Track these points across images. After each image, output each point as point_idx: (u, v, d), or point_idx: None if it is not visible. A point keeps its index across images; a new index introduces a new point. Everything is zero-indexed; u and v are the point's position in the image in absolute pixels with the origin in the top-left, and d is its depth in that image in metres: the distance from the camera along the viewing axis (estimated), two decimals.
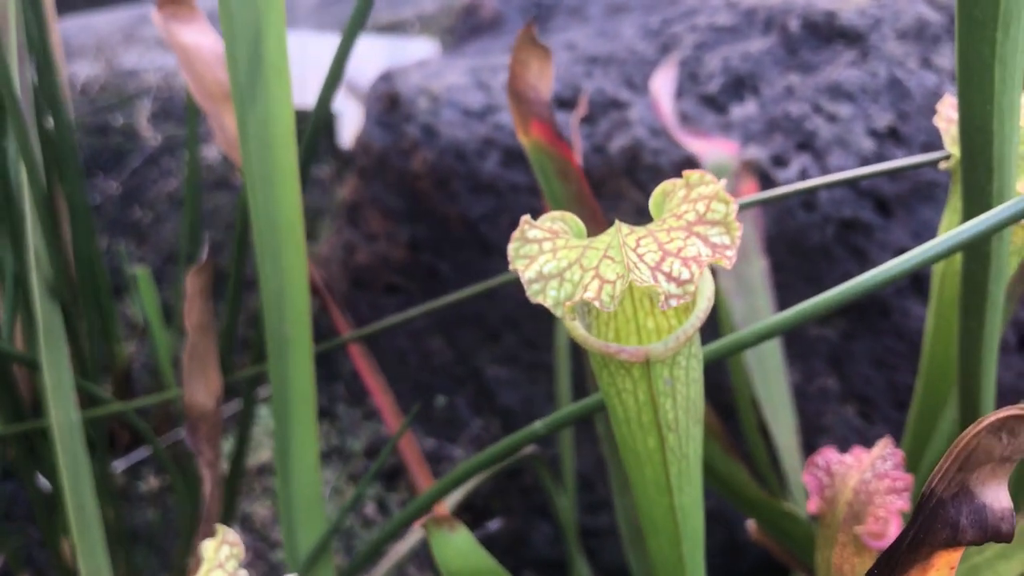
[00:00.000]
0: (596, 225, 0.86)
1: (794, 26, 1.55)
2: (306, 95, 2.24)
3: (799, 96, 1.47)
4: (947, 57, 1.52)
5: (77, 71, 2.60)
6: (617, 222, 0.52)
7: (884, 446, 0.78)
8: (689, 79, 1.56)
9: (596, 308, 0.58)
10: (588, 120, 1.55)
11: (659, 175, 1.45)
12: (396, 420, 0.95)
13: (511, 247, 0.52)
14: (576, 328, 0.52)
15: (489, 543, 1.46)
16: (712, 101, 1.52)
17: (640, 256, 0.49)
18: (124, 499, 1.54)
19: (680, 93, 1.53)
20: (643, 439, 0.57)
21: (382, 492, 1.52)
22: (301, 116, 2.38)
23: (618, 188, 1.49)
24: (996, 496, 0.37)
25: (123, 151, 2.27)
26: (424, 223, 1.56)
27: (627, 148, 1.48)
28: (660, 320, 0.59)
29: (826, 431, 1.42)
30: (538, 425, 0.75)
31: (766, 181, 1.41)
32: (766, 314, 1.36)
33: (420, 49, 2.18)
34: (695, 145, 1.34)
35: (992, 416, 0.36)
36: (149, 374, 1.75)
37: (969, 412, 0.79)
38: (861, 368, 1.41)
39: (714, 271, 1.39)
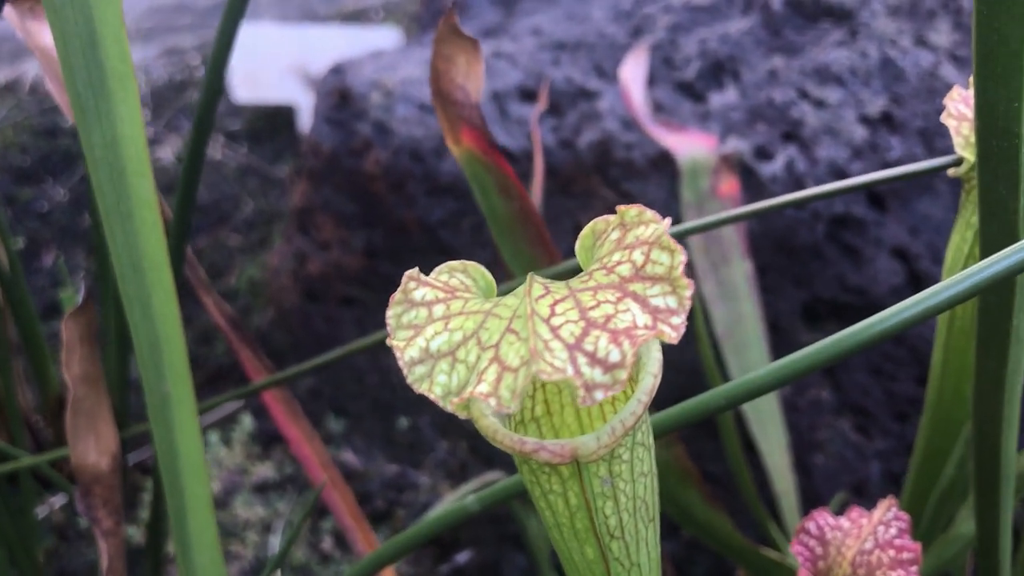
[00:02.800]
0: (544, 252, 0.73)
1: (777, 4, 1.41)
2: (263, 88, 2.10)
3: (783, 81, 1.33)
4: (944, 33, 1.38)
5: (27, 70, 2.46)
6: (530, 276, 0.39)
7: (887, 508, 0.65)
8: (664, 64, 1.42)
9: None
10: (555, 112, 1.41)
11: (632, 171, 1.32)
12: (322, 472, 0.82)
13: (390, 313, 0.39)
14: (483, 417, 0.38)
15: None
16: (689, 88, 1.38)
17: (555, 330, 0.35)
18: (62, 538, 1.41)
19: (654, 80, 1.40)
20: (579, 548, 0.44)
21: (339, 526, 1.39)
22: (255, 111, 2.21)
23: (588, 186, 1.36)
24: None
25: (72, 154, 2.13)
26: (380, 229, 1.42)
27: (597, 142, 1.34)
28: None
29: (820, 447, 1.29)
30: (471, 499, 0.62)
31: (749, 176, 1.27)
32: (751, 321, 1.23)
33: (383, 38, 2.04)
34: (669, 139, 1.21)
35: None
36: None
37: (986, 465, 0.65)
38: (857, 377, 1.28)
39: (691, 275, 1.26)
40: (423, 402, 1.44)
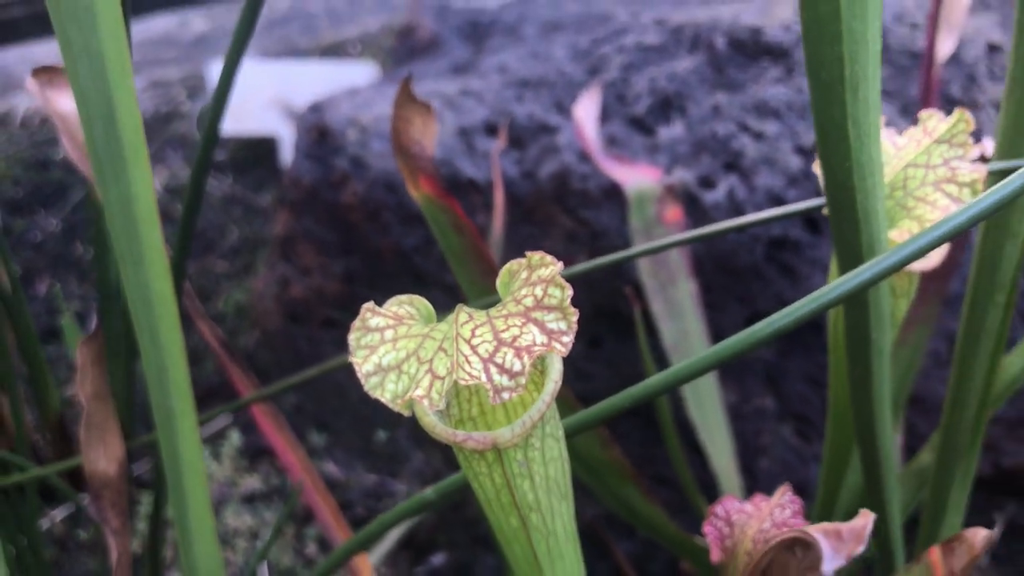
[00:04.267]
0: (492, 279, 0.85)
1: (720, 44, 1.55)
2: (246, 121, 2.22)
3: (726, 115, 1.47)
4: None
5: (17, 104, 2.57)
6: (459, 307, 0.51)
7: (782, 494, 0.77)
8: (617, 101, 1.55)
9: (458, 384, 0.57)
10: (518, 145, 1.54)
11: (588, 201, 1.44)
12: (307, 476, 0.94)
13: (352, 337, 0.51)
14: (424, 415, 0.51)
15: None
16: (640, 123, 1.51)
17: (474, 348, 0.48)
18: (63, 549, 1.52)
19: (608, 115, 1.53)
20: (506, 519, 0.57)
21: (322, 532, 1.51)
22: (238, 142, 2.34)
23: (548, 214, 1.48)
24: None
25: (64, 185, 2.25)
26: (357, 255, 1.55)
27: (556, 173, 1.47)
28: (525, 395, 0.58)
29: (764, 451, 1.42)
30: (428, 492, 0.74)
31: (693, 203, 1.40)
32: (697, 337, 1.36)
33: (360, 73, 2.17)
34: (617, 172, 1.34)
35: (781, 536, 0.35)
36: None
37: (869, 460, 0.78)
38: (797, 386, 1.41)
39: (641, 294, 1.38)
40: (399, 416, 1.56)
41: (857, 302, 0.67)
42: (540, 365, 0.54)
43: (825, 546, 0.34)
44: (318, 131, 1.57)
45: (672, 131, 1.48)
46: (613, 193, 1.42)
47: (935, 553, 0.69)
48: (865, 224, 0.62)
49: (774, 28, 1.53)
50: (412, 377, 0.48)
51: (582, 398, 1.45)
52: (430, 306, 0.54)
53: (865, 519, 0.35)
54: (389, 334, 0.51)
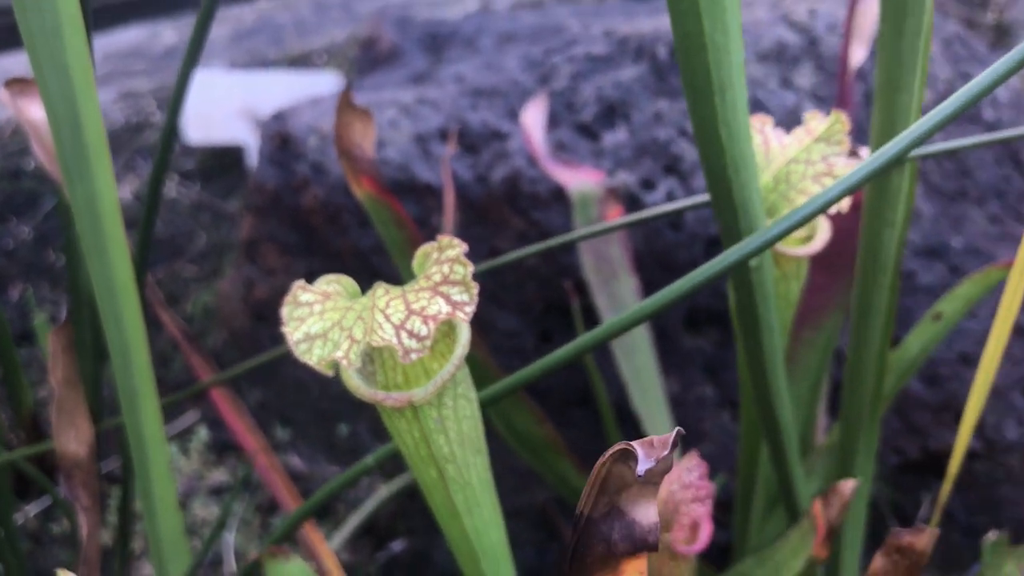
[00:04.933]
0: None
1: (663, 53, 1.64)
2: (214, 129, 2.30)
3: (667, 121, 1.56)
4: (806, 76, 1.62)
5: None
6: (377, 284, 0.60)
7: (690, 458, 0.86)
8: (566, 108, 1.64)
9: (384, 356, 0.65)
10: (472, 151, 1.63)
11: (537, 202, 1.53)
12: (266, 458, 1.01)
13: (285, 311, 0.59)
14: (350, 378, 0.59)
15: (393, 563, 1.53)
16: (586, 129, 1.60)
17: (387, 316, 0.56)
18: (37, 543, 1.59)
19: (557, 122, 1.62)
20: (426, 471, 0.65)
21: (278, 502, 1.59)
22: (206, 151, 2.42)
23: (501, 215, 1.57)
24: (645, 513, 0.45)
25: (36, 194, 2.32)
26: (318, 256, 1.63)
27: (507, 177, 1.56)
28: (443, 363, 0.66)
29: (705, 437, 1.51)
30: (369, 460, 0.82)
31: (635, 204, 1.49)
32: (639, 328, 1.45)
33: (324, 82, 2.25)
34: (563, 175, 1.43)
35: (614, 447, 0.44)
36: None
37: (770, 429, 0.87)
38: (734, 375, 1.50)
39: (582, 289, 1.47)
40: (361, 410, 1.64)
41: (742, 282, 0.76)
42: (452, 335, 0.62)
43: (640, 453, 0.42)
44: (280, 138, 1.65)
45: (616, 136, 1.57)
46: (561, 195, 1.51)
47: (816, 505, 0.78)
48: (743, 212, 0.71)
49: None
50: (335, 343, 0.57)
51: (533, 390, 1.54)
52: (356, 284, 0.62)
53: (672, 434, 0.43)
54: (317, 308, 0.59)
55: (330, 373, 0.57)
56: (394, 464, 1.60)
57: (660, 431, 1.44)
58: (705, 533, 0.85)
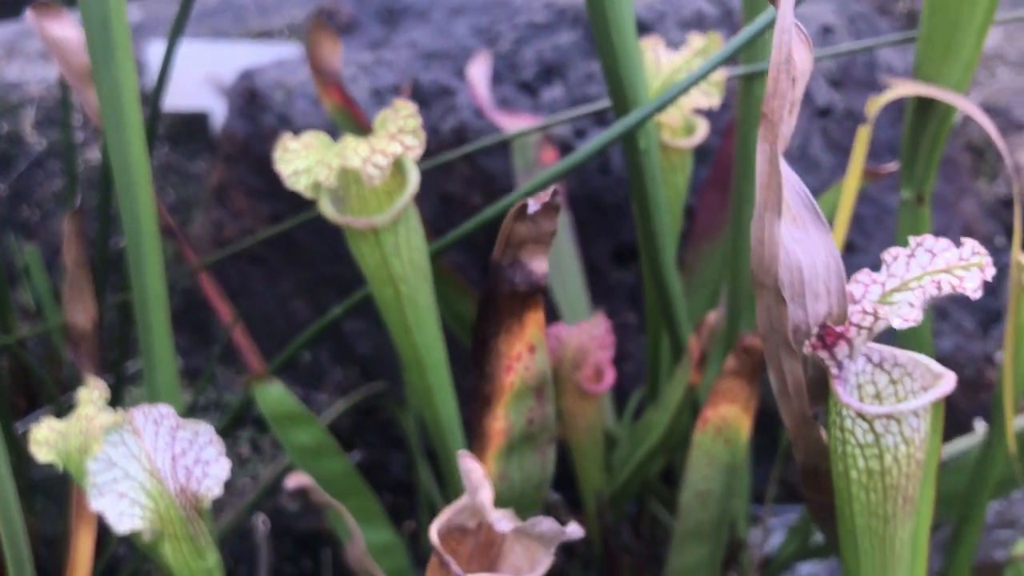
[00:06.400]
0: None
1: None
2: (181, 96, 2.48)
3: (598, 80, 1.78)
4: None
5: None
6: (346, 135, 0.80)
7: (598, 317, 1.07)
8: (509, 69, 1.86)
9: (351, 197, 0.85)
10: (424, 105, 1.83)
11: (482, 150, 1.74)
12: (241, 335, 1.21)
13: (277, 155, 0.79)
14: (327, 207, 0.79)
15: None
16: (527, 87, 1.82)
17: (357, 152, 0.76)
18: (24, 457, 1.76)
19: (501, 81, 1.83)
20: (385, 289, 0.85)
21: (255, 434, 1.78)
22: (174, 117, 2.61)
23: (450, 162, 1.78)
24: (537, 263, 0.65)
25: (9, 156, 2.48)
26: (283, 200, 1.82)
27: (455, 128, 1.77)
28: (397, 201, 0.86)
29: (630, 357, 1.73)
30: (336, 310, 1.02)
31: (568, 151, 1.71)
32: (570, 260, 1.66)
33: (287, 52, 2.44)
34: (504, 121, 1.64)
35: (515, 207, 0.64)
36: (44, 354, 1.97)
37: (663, 303, 1.09)
38: None
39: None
40: (322, 338, 1.83)
41: (635, 165, 0.98)
42: (403, 180, 0.83)
43: (531, 204, 0.62)
44: (249, 93, 1.85)
45: (553, 93, 1.79)
46: (503, 143, 1.72)
47: (692, 340, 0.99)
48: (631, 94, 0.92)
49: (640, 6, 1.85)
50: (317, 172, 0.77)
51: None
52: (331, 139, 0.82)
53: (551, 190, 0.63)
54: (302, 152, 0.79)
55: (314, 196, 0.77)
56: (353, 384, 1.80)
57: None
58: (608, 377, 1.06)
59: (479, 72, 1.69)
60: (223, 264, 1.88)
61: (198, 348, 1.90)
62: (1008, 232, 2.00)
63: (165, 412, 0.85)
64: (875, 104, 0.96)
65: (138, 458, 0.85)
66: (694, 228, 1.37)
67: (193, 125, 2.52)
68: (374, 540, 1.05)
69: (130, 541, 1.57)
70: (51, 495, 1.73)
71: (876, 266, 1.71)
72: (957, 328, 1.73)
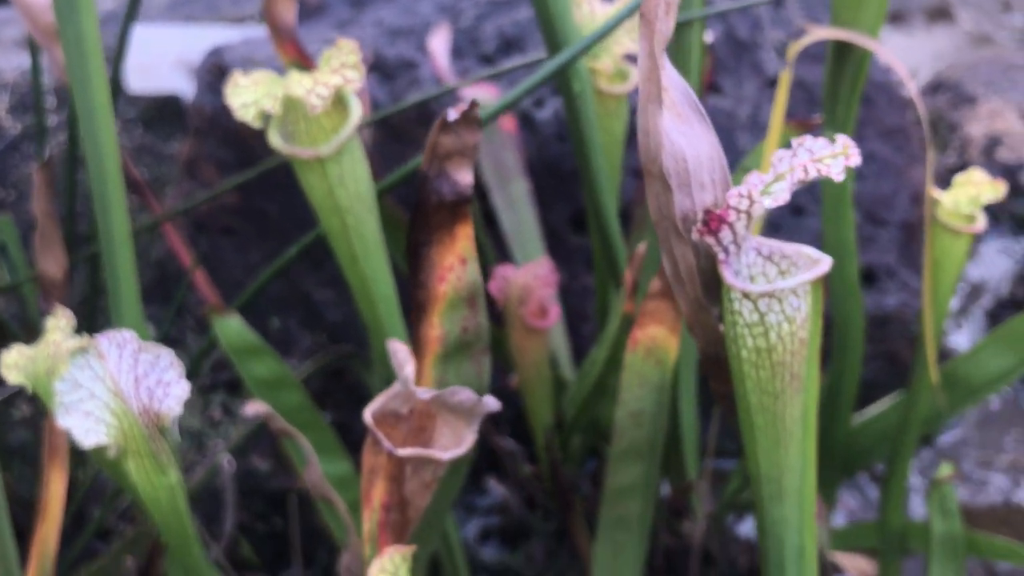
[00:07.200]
0: None
1: None
2: (154, 79, 2.54)
3: None
4: None
5: None
6: (292, 70, 0.87)
7: (542, 258, 1.14)
8: (471, 43, 1.93)
9: (300, 133, 0.92)
10: (389, 78, 1.90)
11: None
12: (200, 275, 1.27)
13: (228, 91, 0.85)
14: (275, 139, 0.85)
15: None
16: (488, 59, 1.89)
17: (301, 84, 0.83)
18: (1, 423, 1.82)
19: (463, 55, 1.90)
20: (332, 220, 0.91)
21: (227, 399, 1.84)
22: (148, 100, 2.67)
23: (414, 134, 1.84)
24: (462, 175, 0.72)
25: None
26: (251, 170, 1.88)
27: (419, 101, 1.83)
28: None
29: (589, 319, 1.80)
30: (292, 250, 1.09)
31: (527, 119, 1.78)
32: (530, 225, 1.73)
33: (257, 34, 2.50)
34: (464, 91, 1.70)
35: (439, 119, 0.70)
36: (20, 327, 2.02)
37: (607, 246, 1.15)
38: None
39: (482, 195, 1.75)
40: (291, 306, 1.89)
41: (571, 108, 1.04)
42: (347, 116, 0.89)
43: (451, 113, 0.69)
44: (217, 68, 1.91)
45: (513, 64, 1.85)
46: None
47: (627, 272, 1.06)
48: (565, 45, 0.99)
49: None
50: (264, 103, 0.83)
51: None
52: (278, 76, 0.89)
53: (467, 103, 0.70)
54: (251, 87, 0.86)
55: (260, 125, 0.83)
56: (320, 348, 1.86)
57: None
58: (552, 313, 1.13)
59: (439, 43, 1.76)
60: (194, 235, 1.94)
61: (172, 318, 1.96)
62: None
63: (128, 337, 0.91)
64: (794, 48, 1.03)
65: (103, 379, 0.91)
66: (640, 185, 1.43)
67: (167, 108, 2.58)
68: (332, 472, 1.12)
69: (101, 496, 1.62)
70: (27, 460, 1.79)
71: (800, 210, 1.76)
72: (903, 286, 1.81)
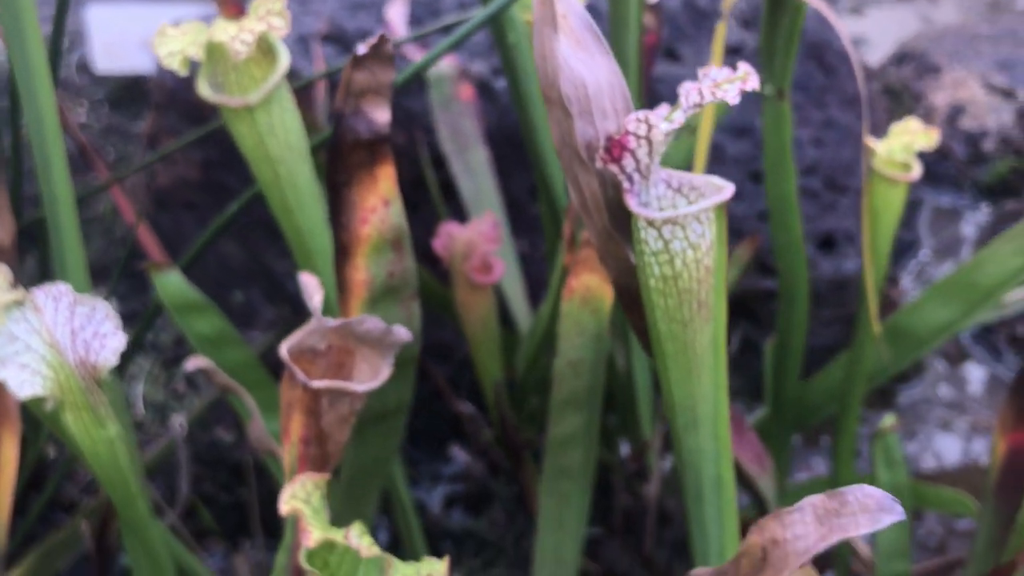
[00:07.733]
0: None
1: None
2: (121, 59, 2.54)
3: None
4: None
5: None
6: (219, 18, 0.87)
7: (486, 216, 1.15)
8: (431, 14, 1.93)
9: (231, 84, 0.92)
10: (349, 50, 1.90)
11: (403, 90, 1.81)
12: (145, 231, 1.27)
13: (155, 40, 0.86)
14: (204, 88, 0.86)
15: None
16: (447, 29, 1.89)
17: (226, 31, 0.84)
18: None
19: (423, 24, 1.90)
20: (265, 170, 0.92)
21: (192, 373, 1.84)
22: (115, 80, 2.66)
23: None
24: (378, 113, 0.72)
25: None
26: (213, 145, 1.89)
27: None
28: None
29: (546, 287, 1.80)
30: (232, 207, 1.09)
31: (486, 88, 1.79)
32: (490, 194, 1.74)
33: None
34: (418, 56, 1.71)
35: (352, 55, 0.71)
36: None
37: (544, 190, 1.17)
38: None
39: (440, 165, 1.76)
40: (254, 279, 1.90)
41: (508, 60, 1.05)
42: (276, 65, 0.90)
43: (360, 48, 0.70)
44: None
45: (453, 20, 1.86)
46: (421, 82, 1.80)
47: (565, 226, 1.07)
48: None
49: None
50: (189, 51, 0.84)
51: None
52: (207, 26, 0.89)
53: (376, 36, 0.71)
54: (178, 36, 0.87)
55: (186, 72, 0.84)
56: (283, 321, 1.87)
57: (510, 281, 1.73)
58: (496, 269, 1.14)
59: (396, 12, 1.76)
60: (156, 213, 1.95)
61: (134, 293, 1.97)
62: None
63: (64, 290, 0.92)
64: (729, 1, 1.04)
65: (39, 332, 0.92)
66: None
67: (134, 89, 2.58)
68: (277, 429, 1.12)
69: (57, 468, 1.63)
70: None
71: (758, 176, 1.77)
72: (862, 251, 1.82)
